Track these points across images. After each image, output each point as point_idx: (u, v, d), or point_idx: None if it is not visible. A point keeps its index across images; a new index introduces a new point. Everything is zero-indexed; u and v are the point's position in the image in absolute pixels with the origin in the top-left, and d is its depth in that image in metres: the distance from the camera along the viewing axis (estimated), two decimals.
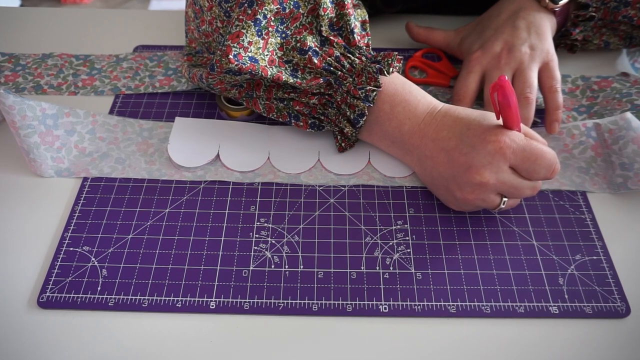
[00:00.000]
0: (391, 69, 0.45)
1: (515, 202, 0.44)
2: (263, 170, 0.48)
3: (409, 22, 0.59)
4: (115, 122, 0.51)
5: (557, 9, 0.50)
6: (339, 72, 0.44)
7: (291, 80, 0.43)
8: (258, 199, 0.46)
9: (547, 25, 0.50)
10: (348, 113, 0.44)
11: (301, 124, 0.47)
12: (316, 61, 0.44)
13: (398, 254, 0.43)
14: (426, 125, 0.43)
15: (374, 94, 0.44)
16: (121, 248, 0.43)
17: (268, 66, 0.43)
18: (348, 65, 0.44)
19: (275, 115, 0.47)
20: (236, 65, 0.41)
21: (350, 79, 0.44)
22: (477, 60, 0.50)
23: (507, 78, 0.37)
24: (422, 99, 0.44)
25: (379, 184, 0.47)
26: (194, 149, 0.49)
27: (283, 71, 0.44)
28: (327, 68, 0.44)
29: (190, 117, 0.53)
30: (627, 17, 0.51)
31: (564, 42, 0.56)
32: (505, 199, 0.41)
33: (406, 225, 0.45)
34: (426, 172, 0.44)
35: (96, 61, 0.59)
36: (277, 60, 0.44)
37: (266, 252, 0.43)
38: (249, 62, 0.42)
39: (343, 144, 0.48)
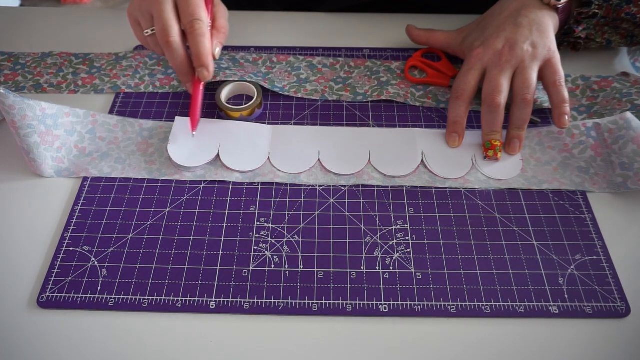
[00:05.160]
0: None
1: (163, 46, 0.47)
2: (263, 170, 0.48)
3: (409, 25, 0.59)
4: (115, 122, 0.51)
5: (559, 7, 0.50)
6: None
7: None
8: (258, 199, 0.46)
9: (550, 23, 0.50)
10: None
11: None
12: None
13: (398, 254, 0.43)
14: None
15: None
16: (121, 248, 0.43)
17: None
18: None
19: None
20: None
21: None
22: (478, 57, 0.50)
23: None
24: None
25: (379, 183, 0.47)
26: (194, 149, 0.49)
27: None
28: None
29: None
30: (629, 15, 0.51)
31: (567, 41, 0.55)
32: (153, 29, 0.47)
33: (406, 225, 0.45)
34: None
35: (95, 60, 0.59)
36: None
37: (266, 252, 0.43)
38: None
39: None
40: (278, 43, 0.62)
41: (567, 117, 0.47)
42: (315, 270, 0.42)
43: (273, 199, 0.46)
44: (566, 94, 0.48)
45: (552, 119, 0.49)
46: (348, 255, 0.43)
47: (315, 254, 0.43)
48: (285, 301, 0.40)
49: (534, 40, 0.48)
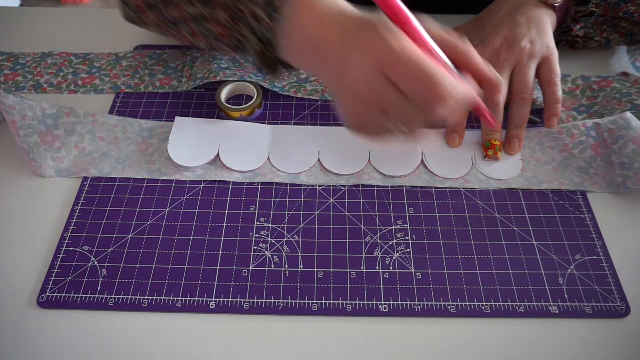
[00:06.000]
0: None
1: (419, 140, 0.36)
2: (263, 170, 0.48)
3: None
4: (115, 122, 0.51)
5: (557, 5, 0.50)
6: None
7: None
8: (258, 199, 0.46)
9: (547, 21, 0.50)
10: (254, 25, 0.38)
11: (223, 46, 0.43)
12: None
13: (398, 254, 0.43)
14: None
15: None
16: (121, 248, 0.43)
17: None
18: None
19: (203, 43, 0.43)
20: None
21: None
22: None
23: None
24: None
25: (379, 183, 0.47)
26: (194, 149, 0.49)
27: None
28: None
29: (190, 117, 0.53)
30: (627, 14, 0.51)
31: (565, 39, 0.55)
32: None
33: (406, 225, 0.45)
34: (342, 84, 0.36)
35: (96, 60, 0.59)
36: None
37: (266, 252, 0.43)
38: None
39: (265, 69, 0.41)
40: None
41: (556, 119, 0.47)
42: (315, 270, 0.42)
43: (273, 199, 0.46)
44: (560, 95, 0.48)
45: (542, 118, 0.49)
46: (348, 255, 0.43)
47: (315, 254, 0.43)
48: (285, 301, 0.40)
49: (532, 38, 0.48)
